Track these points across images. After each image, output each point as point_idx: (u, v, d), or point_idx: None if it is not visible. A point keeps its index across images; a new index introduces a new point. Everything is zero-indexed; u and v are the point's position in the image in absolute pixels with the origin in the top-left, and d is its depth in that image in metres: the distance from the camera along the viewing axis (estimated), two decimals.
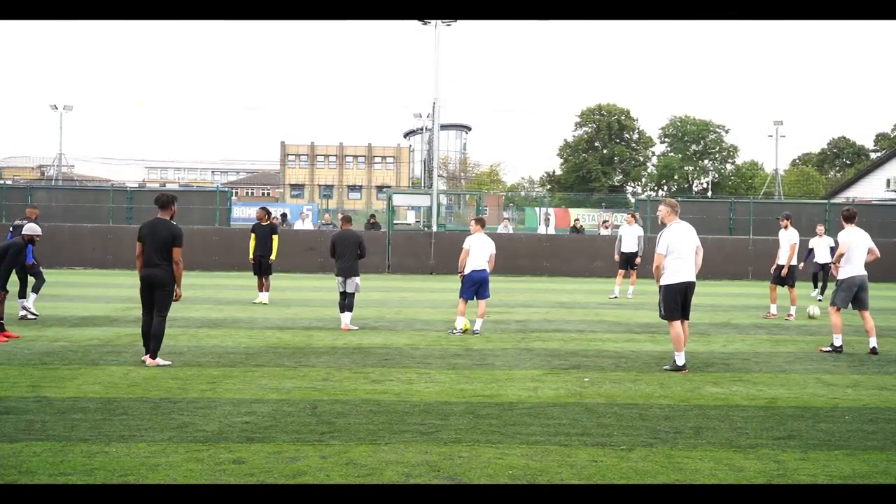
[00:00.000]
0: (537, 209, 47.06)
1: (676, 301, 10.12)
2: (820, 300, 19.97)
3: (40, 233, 13.49)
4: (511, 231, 33.14)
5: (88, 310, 15.40)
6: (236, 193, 78.54)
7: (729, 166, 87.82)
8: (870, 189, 53.19)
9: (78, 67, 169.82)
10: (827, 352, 11.82)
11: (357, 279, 13.69)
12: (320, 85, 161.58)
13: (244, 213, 44.12)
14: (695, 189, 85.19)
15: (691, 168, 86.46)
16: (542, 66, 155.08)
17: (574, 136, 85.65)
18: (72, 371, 9.42)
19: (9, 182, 52.07)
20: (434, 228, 30.78)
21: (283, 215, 38.47)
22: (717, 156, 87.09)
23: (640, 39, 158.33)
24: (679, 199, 29.74)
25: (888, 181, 53.23)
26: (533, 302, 18.67)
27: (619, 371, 10.09)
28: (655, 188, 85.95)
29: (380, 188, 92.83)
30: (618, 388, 8.98)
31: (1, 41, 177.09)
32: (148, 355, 9.94)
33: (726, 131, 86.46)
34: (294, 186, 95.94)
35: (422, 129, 71.86)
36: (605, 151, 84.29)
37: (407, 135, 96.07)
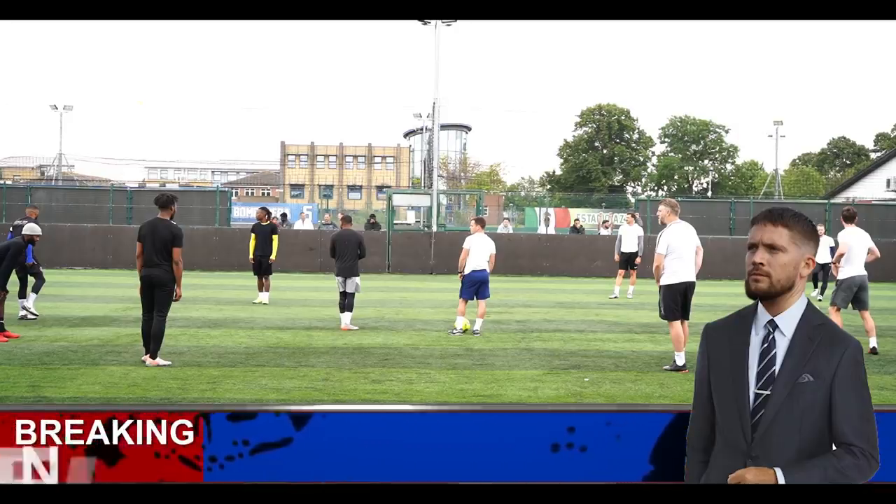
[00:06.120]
0: (537, 209, 47.09)
1: (676, 301, 10.13)
2: (820, 300, 19.97)
3: (40, 233, 13.48)
4: (511, 231, 33.14)
5: (88, 310, 15.40)
6: (236, 193, 78.44)
7: (729, 166, 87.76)
8: (870, 189, 53.13)
9: (78, 67, 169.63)
10: None
11: (357, 279, 13.69)
12: (320, 85, 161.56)
13: (244, 213, 44.04)
14: (695, 189, 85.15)
15: (691, 168, 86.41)
16: (542, 66, 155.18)
17: (574, 136, 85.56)
18: (72, 371, 9.42)
19: (9, 182, 51.96)
20: (434, 228, 30.77)
21: (283, 215, 38.45)
22: (717, 156, 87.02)
23: (640, 39, 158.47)
24: (679, 199, 29.68)
25: (888, 181, 53.19)
26: (533, 302, 18.67)
27: (619, 371, 10.09)
28: (655, 188, 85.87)
29: (380, 188, 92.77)
30: (618, 388, 8.98)
31: (1, 41, 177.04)
32: (148, 355, 9.95)
33: (726, 131, 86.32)
34: (294, 186, 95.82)
35: (422, 129, 71.81)
36: (605, 151, 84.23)
37: (407, 135, 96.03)
